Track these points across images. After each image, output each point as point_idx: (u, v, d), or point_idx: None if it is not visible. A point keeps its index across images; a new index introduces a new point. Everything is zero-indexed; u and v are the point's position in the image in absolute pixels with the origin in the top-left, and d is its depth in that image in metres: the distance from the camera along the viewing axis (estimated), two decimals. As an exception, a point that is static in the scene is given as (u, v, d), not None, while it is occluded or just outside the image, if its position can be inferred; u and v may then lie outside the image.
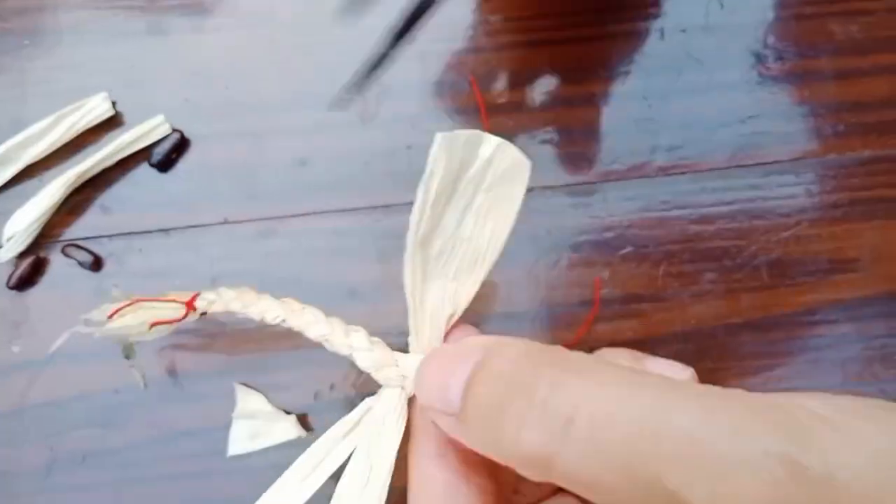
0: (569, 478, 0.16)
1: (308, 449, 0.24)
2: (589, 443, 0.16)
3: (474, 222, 0.23)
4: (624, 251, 0.31)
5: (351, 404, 0.31)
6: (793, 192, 0.32)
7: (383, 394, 0.24)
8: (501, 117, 0.32)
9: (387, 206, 0.32)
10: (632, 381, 0.16)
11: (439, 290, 0.23)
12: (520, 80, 0.33)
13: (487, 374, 0.18)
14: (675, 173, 0.32)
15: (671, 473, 0.15)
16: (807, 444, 0.15)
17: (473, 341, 0.20)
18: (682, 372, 0.23)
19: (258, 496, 0.30)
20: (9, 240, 0.32)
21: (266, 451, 0.31)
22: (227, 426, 0.31)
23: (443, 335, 0.24)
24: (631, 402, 0.16)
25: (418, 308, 0.23)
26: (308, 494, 0.22)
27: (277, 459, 0.30)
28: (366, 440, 0.23)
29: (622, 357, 0.24)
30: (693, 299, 0.31)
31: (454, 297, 0.23)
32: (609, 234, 0.32)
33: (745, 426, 0.15)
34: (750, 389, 0.28)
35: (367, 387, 0.31)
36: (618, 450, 0.15)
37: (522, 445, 0.17)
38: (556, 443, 0.16)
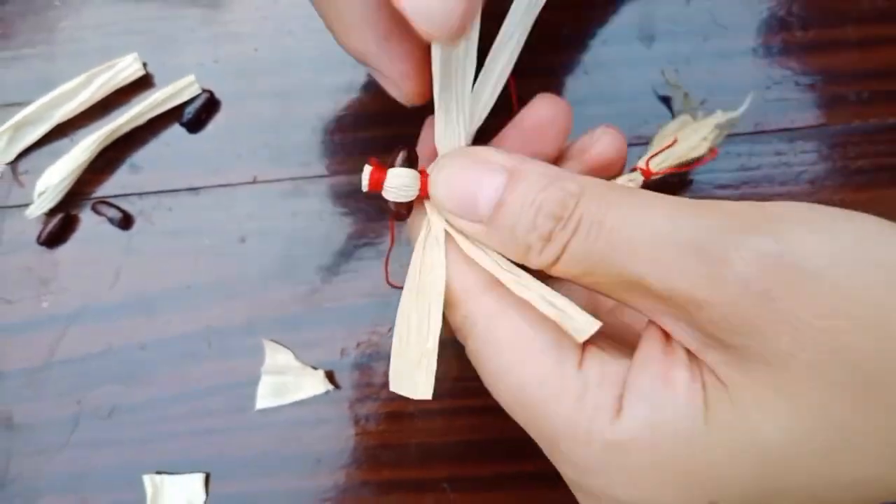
0: (567, 274, 0.20)
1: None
2: (584, 245, 0.20)
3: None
4: (649, 214, 0.32)
5: (377, 360, 0.31)
6: (817, 158, 0.32)
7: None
8: (528, 81, 0.33)
9: (414, 168, 0.32)
10: (621, 196, 0.20)
11: (461, 95, 0.23)
12: (547, 43, 0.33)
13: (518, 198, 0.20)
14: (701, 137, 0.32)
15: (641, 267, 0.19)
16: (777, 236, 0.17)
17: (494, 157, 0.22)
18: (598, 140, 0.26)
19: (283, 450, 0.31)
20: (40, 196, 0.32)
21: (292, 405, 0.31)
22: (252, 382, 0.31)
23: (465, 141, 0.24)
24: (617, 212, 0.19)
25: (443, 116, 0.23)
26: None
27: (303, 415, 0.30)
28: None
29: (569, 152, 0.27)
30: (718, 261, 0.31)
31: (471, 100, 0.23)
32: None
33: (715, 224, 0.18)
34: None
35: (391, 342, 0.31)
36: (602, 249, 0.19)
37: (543, 255, 0.20)
38: (562, 249, 0.20)
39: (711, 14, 0.33)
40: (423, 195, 0.23)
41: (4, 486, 0.31)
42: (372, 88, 0.33)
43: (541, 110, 0.25)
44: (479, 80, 0.23)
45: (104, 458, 0.31)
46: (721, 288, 0.17)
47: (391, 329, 0.31)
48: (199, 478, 0.31)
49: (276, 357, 0.31)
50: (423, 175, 0.23)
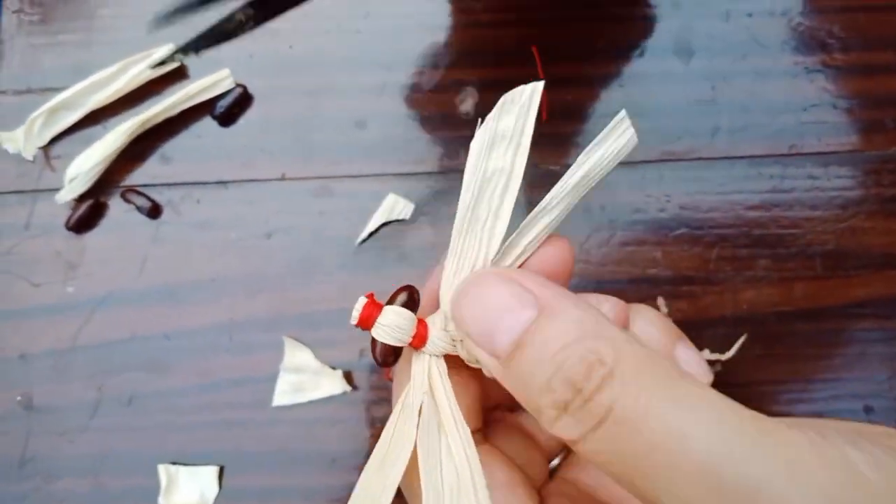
0: (590, 459, 0.17)
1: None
2: (611, 446, 0.17)
3: (503, 153, 0.21)
4: (677, 232, 0.31)
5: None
6: (850, 183, 0.32)
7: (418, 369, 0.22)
8: (560, 91, 0.32)
9: (442, 173, 0.32)
10: (667, 393, 0.17)
11: (474, 242, 0.21)
12: (582, 54, 0.33)
13: (540, 345, 0.18)
14: (735, 157, 0.32)
15: (670, 497, 0.16)
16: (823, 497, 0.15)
17: (530, 284, 0.19)
18: (605, 302, 0.23)
19: (298, 447, 0.31)
20: (70, 181, 0.33)
21: (309, 404, 0.31)
22: (271, 378, 0.31)
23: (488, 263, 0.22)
24: (657, 417, 0.16)
25: (453, 264, 0.21)
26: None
27: (320, 414, 0.31)
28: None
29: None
30: (746, 284, 0.31)
31: (486, 250, 0.21)
32: (663, 215, 0.31)
33: (760, 461, 0.15)
34: (798, 377, 0.28)
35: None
36: (629, 461, 0.16)
37: (556, 427, 0.18)
38: (583, 434, 0.17)
39: (751, 32, 0.33)
40: (416, 345, 0.21)
41: (23, 465, 0.32)
42: (403, 90, 0.33)
43: (548, 257, 0.22)
44: (506, 242, 0.22)
45: (122, 444, 0.32)
46: None
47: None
48: (213, 470, 0.31)
49: (296, 355, 0.31)
50: (421, 324, 0.21)
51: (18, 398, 0.32)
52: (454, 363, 0.21)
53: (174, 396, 0.32)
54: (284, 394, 0.31)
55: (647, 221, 0.32)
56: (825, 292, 0.31)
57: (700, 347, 0.30)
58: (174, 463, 0.31)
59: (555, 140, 0.32)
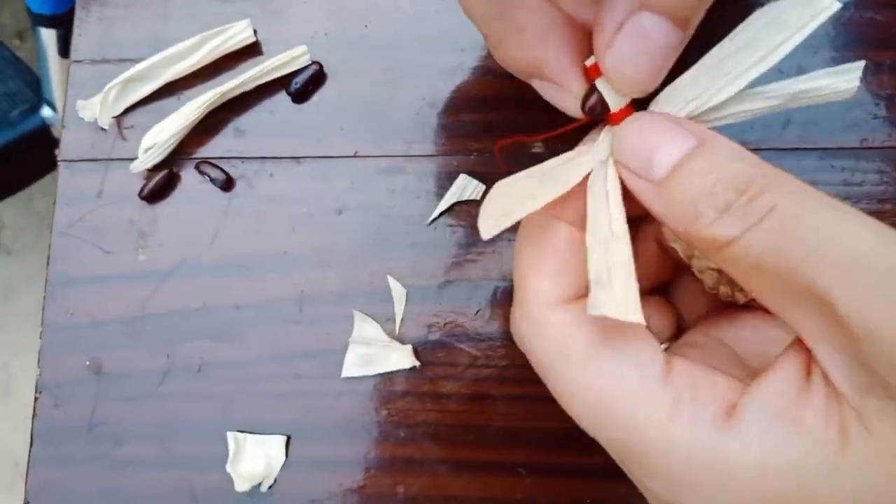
0: (738, 258, 0.19)
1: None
2: (776, 237, 0.18)
3: (775, 34, 0.22)
4: (746, 220, 0.32)
5: (462, 341, 0.31)
6: (920, 179, 0.32)
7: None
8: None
9: (513, 156, 0.33)
10: (820, 198, 0.18)
11: (708, 80, 0.22)
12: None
13: (703, 162, 0.19)
14: (806, 148, 0.32)
15: (833, 282, 0.17)
16: None
17: (689, 124, 0.20)
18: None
19: (365, 420, 0.31)
20: (146, 151, 0.33)
21: (377, 377, 0.31)
22: (340, 351, 0.32)
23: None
24: (815, 215, 0.18)
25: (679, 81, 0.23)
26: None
27: (387, 387, 0.31)
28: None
29: None
30: (813, 274, 0.31)
31: (709, 94, 0.22)
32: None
33: None
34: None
35: (479, 324, 0.32)
36: (793, 249, 0.18)
37: (714, 227, 0.19)
38: (747, 229, 0.18)
39: (824, 26, 0.33)
40: (617, 118, 0.23)
41: (91, 429, 0.32)
42: (478, 72, 0.33)
43: None
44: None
45: (190, 411, 0.32)
46: None
47: (478, 311, 0.32)
48: (280, 440, 0.31)
49: (364, 328, 0.32)
50: (629, 106, 0.23)
51: (87, 363, 0.33)
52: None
53: (243, 366, 0.32)
54: (353, 366, 0.31)
55: (717, 210, 0.32)
56: (893, 286, 0.31)
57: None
58: (241, 431, 0.32)
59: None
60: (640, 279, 0.20)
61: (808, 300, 0.18)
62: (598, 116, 0.23)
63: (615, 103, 0.23)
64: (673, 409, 0.19)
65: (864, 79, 0.33)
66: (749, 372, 0.22)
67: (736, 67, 0.22)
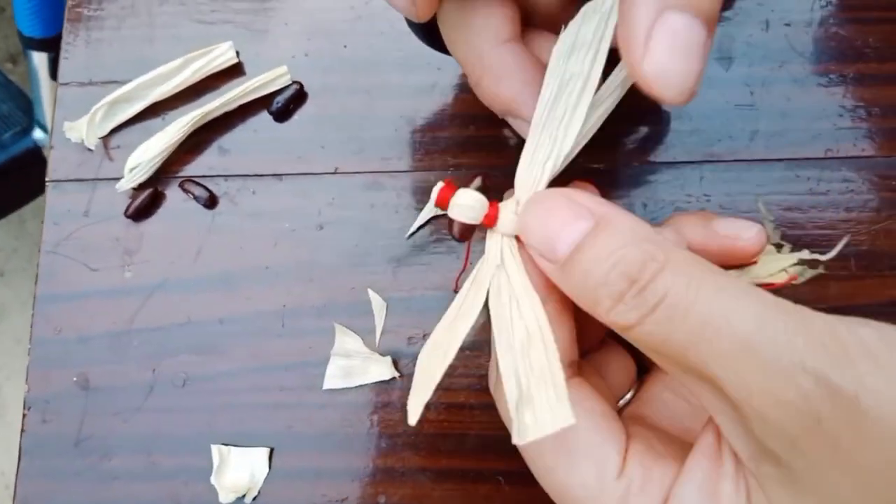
0: (637, 342, 0.20)
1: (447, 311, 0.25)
2: (665, 327, 0.19)
3: (582, 59, 0.23)
4: (716, 230, 0.33)
5: (445, 351, 0.32)
6: (884, 186, 0.33)
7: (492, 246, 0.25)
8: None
9: (488, 168, 0.34)
10: (710, 280, 0.19)
11: (548, 138, 0.24)
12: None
13: (598, 247, 0.21)
14: (772, 160, 0.33)
15: (718, 367, 0.18)
16: (844, 368, 0.17)
17: (587, 202, 0.22)
18: (749, 229, 0.26)
19: (347, 431, 0.32)
20: (131, 171, 0.34)
21: (358, 388, 0.32)
22: (322, 363, 0.32)
23: (545, 184, 0.24)
24: (702, 303, 0.19)
25: (528, 156, 0.24)
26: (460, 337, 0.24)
27: (368, 398, 0.32)
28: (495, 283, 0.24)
29: (693, 220, 0.26)
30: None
31: (560, 146, 0.24)
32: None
33: (793, 341, 0.18)
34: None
35: (459, 338, 0.32)
36: (681, 339, 0.19)
37: (612, 314, 0.20)
38: (639, 320, 0.20)
39: (789, 40, 0.34)
40: (488, 224, 0.24)
41: (79, 443, 0.33)
42: (453, 90, 0.34)
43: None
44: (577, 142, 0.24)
45: (175, 424, 0.33)
46: (794, 414, 0.17)
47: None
48: (264, 452, 0.32)
49: (346, 341, 0.32)
50: (493, 206, 0.24)
51: (75, 378, 0.33)
52: (553, 303, 0.23)
53: (227, 379, 0.33)
54: (334, 378, 0.32)
55: (687, 220, 0.33)
56: (860, 291, 0.32)
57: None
58: (226, 444, 0.32)
59: (598, 140, 0.33)
60: (592, 332, 0.21)
61: (704, 381, 0.19)
62: (470, 234, 0.25)
63: (474, 216, 0.24)
64: (623, 499, 0.21)
65: (829, 91, 0.34)
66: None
67: (565, 108, 0.23)
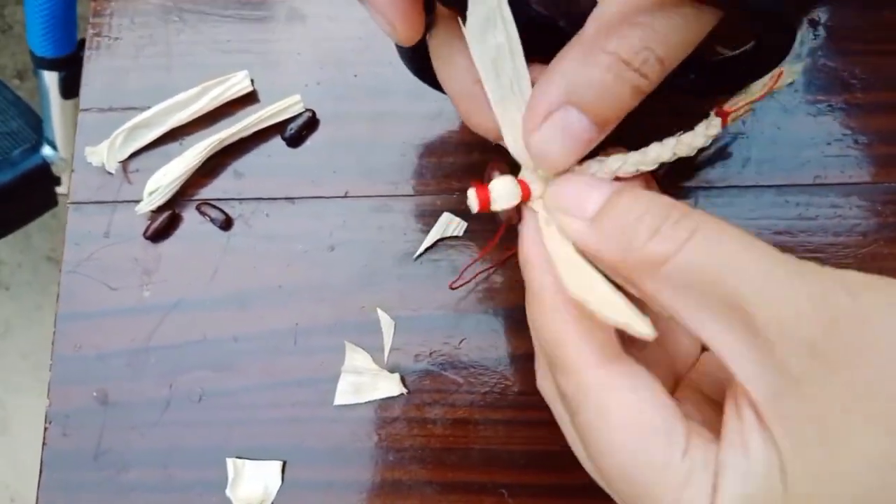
0: (670, 278, 0.21)
1: None
2: (703, 253, 0.20)
3: (493, 32, 0.24)
4: (710, 253, 0.34)
5: (448, 369, 0.34)
6: (871, 212, 0.34)
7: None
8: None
9: (493, 194, 0.35)
10: (731, 226, 0.21)
11: (514, 108, 0.25)
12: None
13: (627, 195, 0.23)
14: (763, 186, 0.34)
15: (750, 291, 0.20)
16: (854, 298, 0.19)
17: (602, 177, 0.24)
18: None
19: (356, 445, 0.33)
20: (150, 194, 0.35)
21: (368, 404, 0.33)
22: (332, 379, 0.34)
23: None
24: (731, 237, 0.21)
25: (509, 130, 0.25)
26: None
27: (377, 413, 0.33)
28: None
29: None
30: (772, 302, 0.33)
31: (521, 94, 0.25)
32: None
33: (807, 273, 0.20)
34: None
35: (461, 353, 0.34)
36: (718, 263, 0.20)
37: (648, 247, 0.21)
38: (679, 247, 0.21)
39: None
40: (525, 198, 0.25)
41: (97, 457, 0.34)
42: (457, 119, 0.36)
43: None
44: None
45: (191, 438, 0.34)
46: (812, 314, 0.19)
47: (462, 341, 0.34)
48: (277, 465, 0.33)
49: (355, 358, 0.34)
50: (521, 183, 0.25)
51: (94, 394, 0.35)
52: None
53: (241, 395, 0.34)
54: (345, 394, 0.33)
55: (683, 243, 0.34)
56: (847, 312, 0.33)
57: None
58: (240, 457, 0.34)
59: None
60: None
61: (728, 314, 0.20)
62: (520, 214, 0.26)
63: (515, 195, 0.25)
64: (685, 482, 0.21)
65: (817, 119, 0.35)
66: None
67: (510, 79, 0.25)
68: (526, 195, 0.25)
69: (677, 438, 0.22)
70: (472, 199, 0.25)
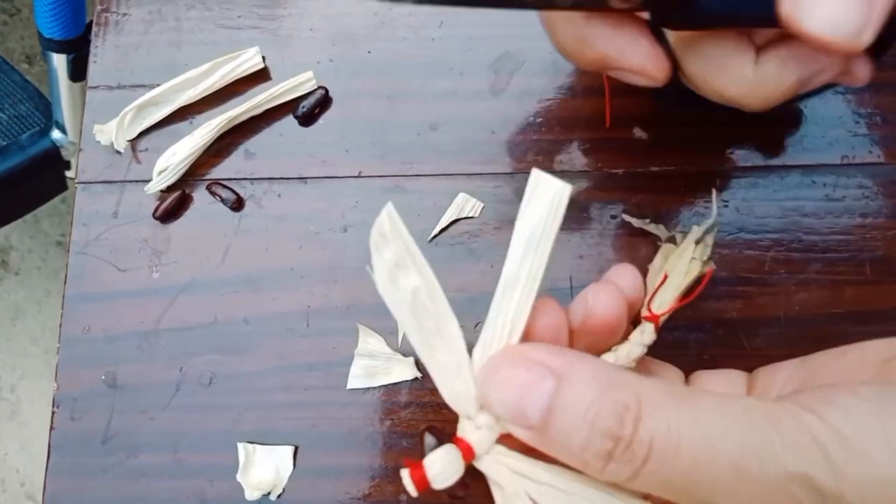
0: (638, 488, 0.21)
1: None
2: (661, 473, 0.20)
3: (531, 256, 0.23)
4: (734, 235, 0.33)
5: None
6: (900, 194, 0.33)
7: None
8: (622, 97, 0.34)
9: (510, 174, 0.34)
10: (688, 412, 0.20)
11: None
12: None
13: (569, 408, 0.21)
14: (789, 166, 0.33)
15: (719, 496, 0.19)
16: (822, 465, 0.19)
17: (542, 356, 0.22)
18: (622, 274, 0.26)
19: (369, 430, 0.33)
20: (159, 173, 0.35)
21: (381, 388, 0.33)
22: (345, 363, 0.33)
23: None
24: (688, 437, 0.20)
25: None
26: None
27: (391, 398, 0.32)
28: None
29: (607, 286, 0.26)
30: (798, 287, 0.32)
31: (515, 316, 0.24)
32: (721, 219, 0.33)
33: (772, 449, 0.19)
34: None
35: (476, 336, 0.33)
36: (680, 479, 0.20)
37: (606, 474, 0.21)
38: (634, 473, 0.20)
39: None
40: (469, 460, 0.23)
41: (106, 440, 0.34)
42: (475, 96, 0.35)
43: (545, 323, 0.24)
44: (485, 327, 0.24)
45: (201, 422, 0.33)
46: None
47: (477, 325, 0.33)
48: (288, 450, 0.33)
49: (369, 341, 0.33)
50: (460, 443, 0.23)
51: (103, 377, 0.34)
52: None
53: (252, 378, 0.34)
54: (358, 377, 0.33)
55: (705, 225, 0.33)
56: (875, 296, 0.32)
57: (757, 346, 0.32)
58: (251, 442, 0.33)
59: (616, 144, 0.34)
60: None
61: None
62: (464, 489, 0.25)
63: (458, 466, 0.23)
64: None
65: (845, 98, 0.34)
66: None
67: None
68: (469, 456, 0.23)
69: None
70: (408, 483, 0.23)
